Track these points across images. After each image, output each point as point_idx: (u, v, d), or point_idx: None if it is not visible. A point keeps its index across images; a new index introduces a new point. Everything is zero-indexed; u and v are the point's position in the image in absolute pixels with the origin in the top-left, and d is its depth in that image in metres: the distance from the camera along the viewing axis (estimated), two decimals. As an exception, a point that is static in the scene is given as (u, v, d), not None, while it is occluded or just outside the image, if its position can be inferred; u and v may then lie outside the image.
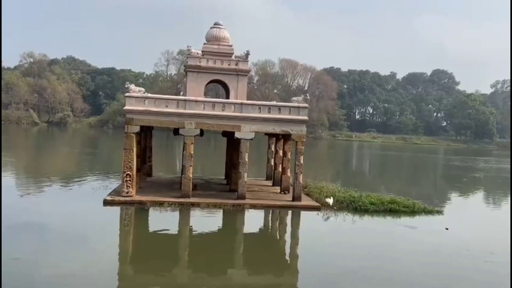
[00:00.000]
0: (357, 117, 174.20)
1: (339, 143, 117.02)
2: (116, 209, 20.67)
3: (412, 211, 23.22)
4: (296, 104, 23.04)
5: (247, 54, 24.95)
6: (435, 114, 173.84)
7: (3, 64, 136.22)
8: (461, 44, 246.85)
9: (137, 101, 21.75)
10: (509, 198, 32.75)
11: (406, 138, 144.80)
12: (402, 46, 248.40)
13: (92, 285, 11.79)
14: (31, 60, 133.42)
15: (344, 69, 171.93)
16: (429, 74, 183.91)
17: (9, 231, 15.94)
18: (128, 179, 21.68)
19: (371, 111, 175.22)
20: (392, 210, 23.04)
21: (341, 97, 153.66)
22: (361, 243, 17.42)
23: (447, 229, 19.82)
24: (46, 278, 11.99)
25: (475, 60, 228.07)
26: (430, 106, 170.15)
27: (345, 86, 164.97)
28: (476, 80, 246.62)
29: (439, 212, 23.75)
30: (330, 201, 23.37)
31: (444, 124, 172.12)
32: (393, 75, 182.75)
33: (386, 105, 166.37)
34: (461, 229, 20.55)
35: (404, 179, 45.42)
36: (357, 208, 22.97)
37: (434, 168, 62.91)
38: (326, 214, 21.85)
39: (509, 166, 60.59)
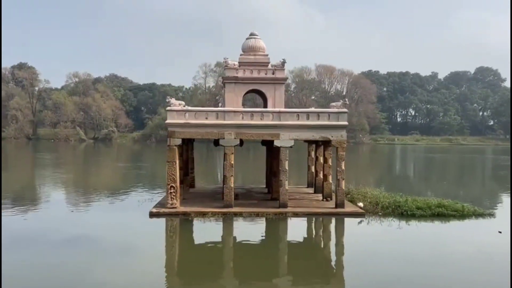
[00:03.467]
0: (399, 119, 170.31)
1: (381, 147, 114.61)
2: (162, 221, 21.14)
3: (461, 215, 22.38)
4: (335, 110, 22.84)
5: (283, 62, 25.04)
6: (481, 113, 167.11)
7: (51, 84, 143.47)
8: (505, 39, 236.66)
9: (178, 114, 22.27)
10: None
11: (451, 139, 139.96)
12: (441, 44, 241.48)
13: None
14: (77, 79, 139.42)
15: (383, 71, 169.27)
16: (472, 72, 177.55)
17: (60, 243, 16.70)
18: (172, 191, 22.16)
19: (413, 113, 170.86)
20: (440, 214, 22.29)
21: (381, 100, 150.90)
22: (408, 249, 16.93)
23: (500, 232, 18.96)
24: (95, 287, 12.41)
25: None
26: (475, 105, 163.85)
27: (385, 89, 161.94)
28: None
29: (491, 215, 22.76)
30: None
31: (491, 123, 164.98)
32: (434, 75, 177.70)
33: (428, 106, 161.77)
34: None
35: (451, 182, 43.82)
36: (403, 213, 22.38)
37: (482, 169, 60.36)
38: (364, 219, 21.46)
39: None
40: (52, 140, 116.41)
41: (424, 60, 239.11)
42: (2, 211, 22.58)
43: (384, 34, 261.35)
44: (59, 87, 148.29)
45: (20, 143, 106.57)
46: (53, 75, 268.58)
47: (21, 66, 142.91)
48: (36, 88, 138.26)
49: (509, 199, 31.50)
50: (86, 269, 14.06)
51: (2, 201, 26.51)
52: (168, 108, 22.42)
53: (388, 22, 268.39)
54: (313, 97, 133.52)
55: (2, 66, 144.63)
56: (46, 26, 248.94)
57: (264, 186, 29.88)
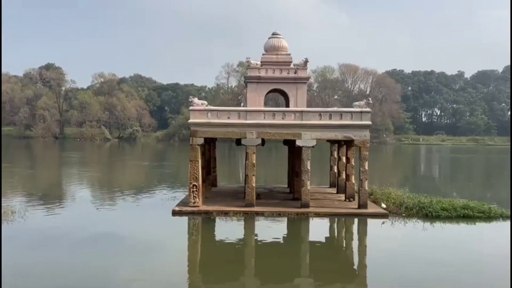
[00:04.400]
0: (424, 119, 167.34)
1: (405, 147, 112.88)
2: (184, 219, 21.35)
3: (488, 217, 21.84)
4: (358, 109, 22.60)
5: (306, 61, 24.92)
6: (509, 112, 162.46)
7: (77, 84, 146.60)
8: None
9: (200, 114, 22.44)
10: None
11: (478, 139, 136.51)
12: (468, 43, 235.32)
13: (163, 293, 12.22)
14: (102, 79, 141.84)
15: (408, 70, 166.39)
16: (500, 71, 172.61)
17: (86, 240, 17.06)
18: (194, 189, 22.35)
19: (438, 113, 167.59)
20: (466, 216, 21.81)
21: (406, 99, 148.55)
22: (433, 252, 16.58)
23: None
24: (119, 285, 12.60)
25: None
26: (503, 104, 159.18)
27: (410, 88, 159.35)
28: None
29: (519, 217, 22.13)
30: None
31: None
32: (460, 74, 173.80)
33: (454, 105, 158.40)
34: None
35: (477, 183, 42.82)
36: (428, 214, 21.98)
37: (510, 170, 58.69)
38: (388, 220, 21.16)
39: None
40: (78, 139, 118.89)
41: (450, 59, 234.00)
42: (31, 208, 23.22)
43: (409, 33, 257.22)
44: (85, 87, 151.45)
45: (47, 142, 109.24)
46: (80, 76, 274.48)
47: (48, 67, 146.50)
48: (63, 88, 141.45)
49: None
50: (110, 267, 14.33)
51: (31, 198, 27.28)
52: (191, 107, 22.62)
53: (413, 20, 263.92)
54: (336, 97, 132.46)
55: (31, 66, 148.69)
56: (73, 27, 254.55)
57: (286, 186, 29.82)
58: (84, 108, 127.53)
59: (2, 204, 23.61)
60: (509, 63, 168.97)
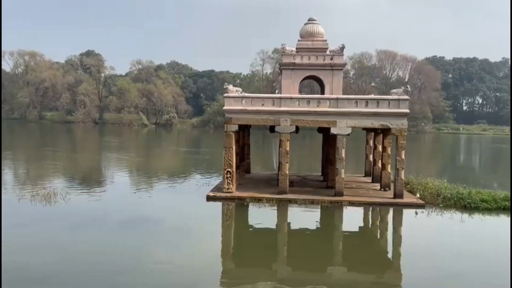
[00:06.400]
0: (465, 108, 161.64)
1: (444, 137, 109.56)
2: (218, 205, 21.65)
3: (531, 210, 21.00)
4: (395, 97, 22.09)
5: (342, 47, 24.49)
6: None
7: (116, 71, 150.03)
8: None
9: (235, 101, 22.54)
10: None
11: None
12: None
13: (196, 276, 12.48)
14: (140, 66, 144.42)
15: (449, 57, 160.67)
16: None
17: (122, 224, 17.64)
18: (228, 176, 22.59)
19: (480, 101, 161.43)
20: (506, 208, 21.08)
21: (446, 87, 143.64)
22: (470, 244, 16.19)
23: None
24: (154, 266, 12.96)
25: None
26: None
27: (450, 76, 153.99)
28: None
29: None
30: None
31: None
32: (505, 61, 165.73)
33: (497, 94, 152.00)
34: None
35: (521, 175, 41.11)
36: (466, 205, 21.40)
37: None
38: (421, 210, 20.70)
39: None
40: (117, 125, 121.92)
41: (494, 45, 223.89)
42: (72, 191, 24.15)
43: (451, 18, 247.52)
44: (123, 73, 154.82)
45: (87, 127, 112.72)
46: (118, 63, 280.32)
47: (88, 54, 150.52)
48: (102, 75, 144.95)
49: None
50: (146, 248, 14.76)
51: (72, 181, 28.36)
52: (226, 94, 22.75)
53: (455, 5, 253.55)
54: (373, 84, 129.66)
55: (72, 53, 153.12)
56: (112, 15, 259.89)
57: (320, 174, 29.65)
58: (122, 94, 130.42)
59: (46, 186, 24.69)
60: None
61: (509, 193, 22.36)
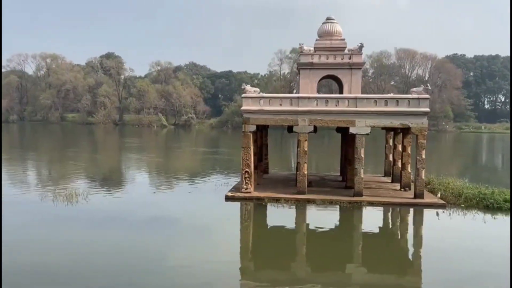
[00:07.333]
0: (487, 106, 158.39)
1: (466, 136, 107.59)
2: (237, 205, 21.70)
3: (557, 210, 20.45)
4: (415, 96, 21.79)
5: (361, 46, 24.28)
6: None
7: (135, 73, 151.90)
8: None
9: (253, 101, 22.56)
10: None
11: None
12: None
13: (215, 276, 12.53)
14: (159, 68, 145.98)
15: (470, 55, 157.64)
16: None
17: (142, 223, 17.83)
18: (246, 176, 22.63)
19: (503, 99, 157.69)
20: (531, 208, 20.56)
21: (467, 85, 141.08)
22: (494, 245, 15.81)
23: None
24: (172, 266, 13.08)
25: None
26: None
27: (471, 74, 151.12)
28: None
29: None
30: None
31: None
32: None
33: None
34: None
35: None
36: (489, 206, 20.98)
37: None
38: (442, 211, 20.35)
39: None
40: (137, 126, 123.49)
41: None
42: (93, 191, 24.54)
43: (472, 15, 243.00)
44: (142, 75, 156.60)
45: (107, 128, 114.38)
46: (137, 65, 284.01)
47: (108, 56, 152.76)
48: (122, 76, 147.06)
49: None
50: (164, 248, 14.88)
51: (94, 181, 28.82)
52: (243, 95, 22.79)
53: (476, 2, 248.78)
54: (392, 83, 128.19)
55: (92, 55, 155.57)
56: (131, 17, 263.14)
57: (339, 174, 29.46)
58: (142, 96, 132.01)
59: (68, 186, 25.14)
60: None
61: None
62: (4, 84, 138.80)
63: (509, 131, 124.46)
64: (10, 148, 55.35)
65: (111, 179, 30.77)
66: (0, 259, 12.93)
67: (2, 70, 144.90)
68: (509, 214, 20.16)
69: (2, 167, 34.77)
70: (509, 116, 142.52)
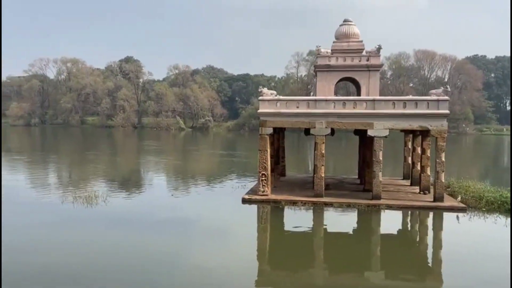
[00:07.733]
0: (508, 108, 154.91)
1: (486, 138, 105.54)
2: (253, 207, 21.71)
3: None
4: (434, 98, 21.50)
5: (379, 48, 24.09)
6: None
7: (153, 76, 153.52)
8: None
9: (269, 103, 22.57)
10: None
11: None
12: None
13: (231, 278, 12.54)
14: (177, 71, 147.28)
15: (491, 56, 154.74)
16: None
17: (159, 225, 18.00)
18: (263, 178, 22.63)
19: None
20: (556, 213, 20.05)
21: (488, 87, 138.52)
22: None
23: None
24: (189, 269, 13.14)
25: None
26: None
27: (493, 75, 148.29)
28: None
29: None
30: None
31: None
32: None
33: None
34: None
35: None
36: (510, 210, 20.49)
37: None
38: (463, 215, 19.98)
39: None
40: (155, 129, 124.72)
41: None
42: (113, 193, 24.86)
43: (493, 15, 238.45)
44: (161, 79, 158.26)
45: (126, 131, 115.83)
46: (156, 69, 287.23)
47: (127, 60, 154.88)
48: (141, 80, 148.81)
49: None
50: (181, 250, 14.98)
51: (113, 183, 29.20)
52: (260, 97, 22.82)
53: (495, 2, 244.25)
54: (411, 85, 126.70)
55: (112, 60, 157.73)
56: (150, 22, 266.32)
57: (356, 177, 29.22)
58: (160, 99, 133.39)
59: (87, 188, 25.53)
60: None
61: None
62: (26, 89, 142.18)
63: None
64: (32, 151, 56.54)
65: (130, 182, 31.13)
66: (0, 259, 13.23)
67: (24, 74, 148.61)
68: (532, 218, 19.68)
69: (24, 169, 35.52)
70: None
